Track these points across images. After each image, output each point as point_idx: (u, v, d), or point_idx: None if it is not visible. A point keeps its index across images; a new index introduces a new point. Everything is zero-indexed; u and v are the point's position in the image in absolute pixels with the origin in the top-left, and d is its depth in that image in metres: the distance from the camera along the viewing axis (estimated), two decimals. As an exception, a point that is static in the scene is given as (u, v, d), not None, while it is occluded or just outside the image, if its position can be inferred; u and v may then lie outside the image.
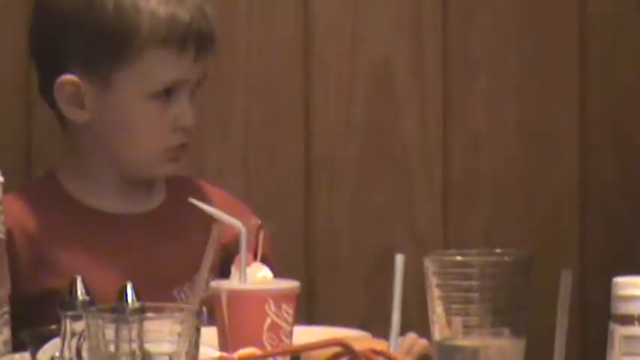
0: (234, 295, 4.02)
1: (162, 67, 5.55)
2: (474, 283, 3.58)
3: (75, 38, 5.73)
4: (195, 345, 3.50)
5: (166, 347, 3.55)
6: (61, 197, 5.73)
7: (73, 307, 3.87)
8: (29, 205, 5.66)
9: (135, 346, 3.62)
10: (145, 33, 5.54)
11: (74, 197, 5.69)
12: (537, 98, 7.47)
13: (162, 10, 5.56)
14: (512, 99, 7.45)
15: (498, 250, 3.90)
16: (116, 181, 5.71)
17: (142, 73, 5.52)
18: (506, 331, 3.55)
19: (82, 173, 5.82)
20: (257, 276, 4.23)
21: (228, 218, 4.31)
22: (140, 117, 5.56)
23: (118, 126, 5.58)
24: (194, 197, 4.76)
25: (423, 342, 5.31)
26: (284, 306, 3.99)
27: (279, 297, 4.01)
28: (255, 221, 4.74)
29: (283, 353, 3.84)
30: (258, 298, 3.98)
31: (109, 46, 5.60)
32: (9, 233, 4.96)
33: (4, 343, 4.32)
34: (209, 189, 5.90)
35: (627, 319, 3.50)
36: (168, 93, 5.51)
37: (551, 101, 7.40)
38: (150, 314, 3.64)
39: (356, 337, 4.24)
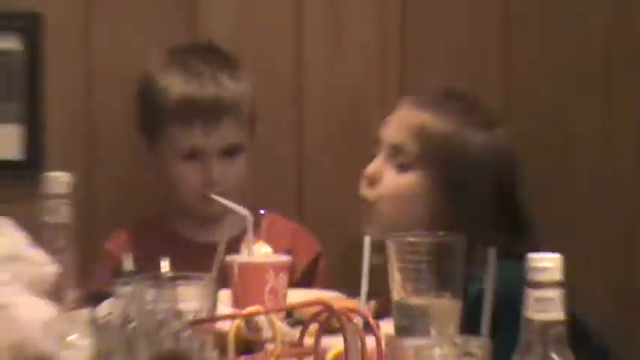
0: (244, 266, 5.04)
1: (180, 137, 6.59)
2: (423, 258, 4.30)
3: (138, 113, 6.78)
4: (214, 304, 4.37)
5: (192, 306, 4.47)
6: (163, 229, 6.66)
7: (123, 276, 4.73)
8: (139, 234, 6.62)
9: (169, 305, 4.44)
10: (165, 111, 6.55)
11: (173, 228, 6.61)
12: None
13: (177, 92, 6.46)
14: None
15: (441, 234, 4.66)
16: (190, 215, 6.66)
17: (170, 140, 6.60)
18: (446, 294, 4.27)
19: (173, 210, 6.87)
20: (260, 252, 5.20)
21: (240, 209, 5.31)
22: (177, 174, 6.59)
23: (168, 179, 6.67)
24: (265, 229, 5.62)
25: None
26: (281, 275, 5.03)
27: (276, 268, 5.05)
28: (262, 211, 5.67)
29: (279, 310, 4.62)
30: (261, 268, 5.00)
31: (148, 120, 6.77)
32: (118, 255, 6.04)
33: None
34: (280, 221, 6.56)
35: (537, 285, 3.78)
36: (194, 156, 6.49)
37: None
38: (181, 281, 4.45)
39: (333, 297, 4.92)
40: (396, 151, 6.22)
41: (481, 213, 6.23)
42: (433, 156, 6.22)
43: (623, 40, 7.78)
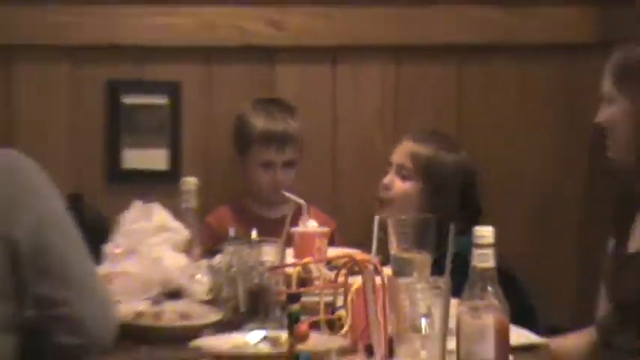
0: (301, 234, 5.27)
1: (260, 154, 6.72)
2: (408, 230, 4.52)
3: (235, 138, 6.92)
4: (283, 257, 4.81)
5: (270, 258, 4.71)
6: (245, 209, 6.76)
7: (229, 240, 4.96)
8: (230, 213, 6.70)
9: (256, 257, 4.84)
10: (252, 137, 6.65)
11: (252, 209, 6.71)
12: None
13: (260, 126, 6.62)
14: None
15: (421, 215, 4.87)
16: (264, 201, 6.77)
17: (254, 156, 6.62)
18: (423, 252, 4.42)
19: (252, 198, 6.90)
20: (311, 224, 5.40)
21: (298, 199, 5.51)
22: (256, 177, 6.69)
23: (251, 179, 6.81)
24: (310, 213, 5.78)
25: None
26: (323, 239, 5.30)
27: (320, 235, 5.32)
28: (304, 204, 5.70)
29: (322, 260, 4.74)
30: (311, 235, 5.26)
31: (241, 142, 6.83)
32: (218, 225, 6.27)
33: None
34: (312, 209, 6.05)
35: (479, 246, 3.70)
36: (267, 166, 6.64)
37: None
38: (263, 243, 4.82)
39: (355, 252, 4.47)
40: (400, 168, 6.48)
41: (451, 205, 6.40)
42: (422, 171, 6.49)
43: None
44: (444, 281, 3.75)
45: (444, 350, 3.57)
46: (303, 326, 3.89)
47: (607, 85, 4.74)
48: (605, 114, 4.69)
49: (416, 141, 6.74)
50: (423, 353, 3.63)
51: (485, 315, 3.57)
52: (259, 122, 6.53)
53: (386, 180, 6.47)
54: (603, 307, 4.78)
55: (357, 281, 4.02)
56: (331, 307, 4.00)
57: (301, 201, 5.31)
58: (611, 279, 4.79)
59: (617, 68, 4.73)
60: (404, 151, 6.72)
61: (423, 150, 6.63)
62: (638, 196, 4.81)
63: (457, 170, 6.66)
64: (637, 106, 4.66)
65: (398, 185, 6.48)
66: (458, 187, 6.63)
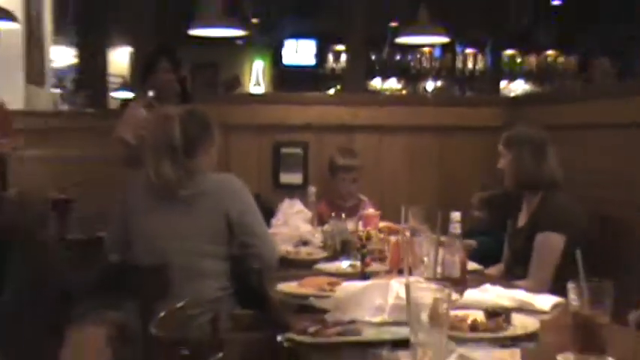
0: (367, 216, 4.77)
1: (342, 175, 5.95)
2: None
3: (329, 166, 6.19)
4: (357, 226, 4.65)
5: (350, 226, 4.64)
6: (333, 202, 5.98)
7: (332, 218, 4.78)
8: (326, 204, 5.92)
9: (345, 228, 4.70)
10: (337, 167, 6.01)
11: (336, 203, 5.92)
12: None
13: (340, 162, 5.99)
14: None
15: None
16: (343, 198, 5.97)
17: (338, 175, 5.96)
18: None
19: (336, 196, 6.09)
20: (369, 210, 4.95)
21: (362, 197, 5.32)
22: (340, 186, 5.97)
23: (336, 187, 6.00)
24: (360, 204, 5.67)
25: None
26: (376, 218, 4.75)
27: (375, 215, 4.77)
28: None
29: (376, 228, 4.45)
30: (373, 216, 4.71)
31: (332, 169, 6.09)
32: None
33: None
34: (368, 203, 5.86)
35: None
36: (343, 180, 5.99)
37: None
38: (346, 219, 4.74)
39: (392, 224, 4.49)
40: None
41: None
42: None
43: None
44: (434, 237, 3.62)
45: (435, 271, 3.55)
46: (368, 260, 3.94)
47: (501, 147, 4.68)
48: (501, 163, 4.66)
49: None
50: (425, 272, 3.57)
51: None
52: (340, 160, 6.05)
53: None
54: (506, 254, 4.75)
55: (393, 239, 3.97)
56: (381, 251, 3.99)
57: (365, 198, 5.26)
58: (509, 241, 4.76)
59: (505, 138, 4.68)
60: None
61: None
62: (517, 198, 4.74)
63: None
64: (513, 158, 4.61)
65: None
66: None
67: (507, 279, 4.15)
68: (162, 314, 2.96)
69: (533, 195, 4.60)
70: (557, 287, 3.66)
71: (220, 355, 2.36)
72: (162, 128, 4.19)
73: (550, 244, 4.37)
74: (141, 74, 6.85)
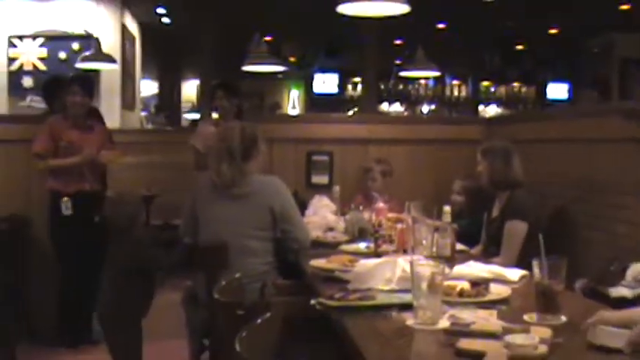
0: (377, 207, 4.20)
1: (368, 175, 5.84)
2: None
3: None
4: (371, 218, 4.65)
5: (365, 216, 4.65)
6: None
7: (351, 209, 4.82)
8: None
9: (362, 217, 4.75)
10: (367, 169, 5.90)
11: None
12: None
13: (367, 165, 5.92)
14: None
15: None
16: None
17: (368, 175, 5.82)
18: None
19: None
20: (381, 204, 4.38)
21: (375, 194, 5.15)
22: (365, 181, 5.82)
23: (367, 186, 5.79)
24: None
25: None
26: (386, 210, 4.22)
27: (384, 209, 4.21)
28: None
29: (385, 217, 4.01)
30: (381, 207, 4.16)
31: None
32: None
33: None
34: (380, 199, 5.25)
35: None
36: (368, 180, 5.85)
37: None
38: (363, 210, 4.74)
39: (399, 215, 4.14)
40: None
41: None
42: None
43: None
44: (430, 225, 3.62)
45: (431, 251, 3.53)
46: (380, 243, 3.91)
47: (479, 156, 4.63)
48: (479, 167, 4.62)
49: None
50: (424, 252, 3.54)
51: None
52: (367, 164, 5.93)
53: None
54: (484, 238, 4.71)
55: (399, 226, 3.94)
56: (390, 235, 3.95)
57: (376, 195, 5.21)
58: (486, 228, 4.72)
59: (482, 149, 4.63)
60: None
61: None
62: (491, 194, 4.68)
63: None
64: (488, 164, 4.57)
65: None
66: None
67: (485, 257, 4.09)
68: (222, 283, 2.96)
69: (503, 192, 4.56)
70: (522, 263, 3.68)
71: (268, 314, 2.35)
72: (224, 137, 4.22)
73: (515, 229, 4.33)
74: (207, 101, 6.93)
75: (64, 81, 6.14)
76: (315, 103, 19.64)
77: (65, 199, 5.62)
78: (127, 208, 4.32)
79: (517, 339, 1.99)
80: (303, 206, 5.03)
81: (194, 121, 18.14)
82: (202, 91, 15.87)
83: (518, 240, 4.30)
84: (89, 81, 6.05)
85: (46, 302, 5.86)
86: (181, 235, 4.40)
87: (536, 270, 2.46)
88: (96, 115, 6.31)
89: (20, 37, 10.49)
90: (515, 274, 3.20)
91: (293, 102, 20.91)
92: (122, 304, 4.20)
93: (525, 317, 2.43)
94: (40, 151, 5.66)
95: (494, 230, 4.53)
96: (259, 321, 2.29)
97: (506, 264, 3.71)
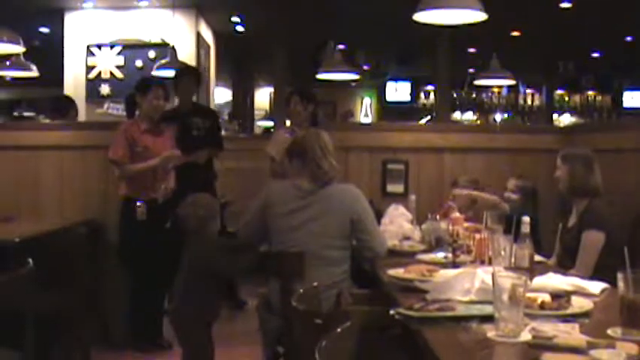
0: (453, 217, 4.53)
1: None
2: None
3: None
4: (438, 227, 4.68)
5: (442, 226, 4.71)
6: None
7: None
8: None
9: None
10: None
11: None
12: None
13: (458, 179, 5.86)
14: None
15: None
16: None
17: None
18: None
19: None
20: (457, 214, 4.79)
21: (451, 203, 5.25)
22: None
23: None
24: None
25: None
26: (462, 219, 4.55)
27: (460, 219, 4.54)
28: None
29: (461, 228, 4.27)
30: (458, 217, 4.44)
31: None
32: None
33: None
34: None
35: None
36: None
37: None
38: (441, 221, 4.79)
39: (476, 225, 4.40)
40: None
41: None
42: None
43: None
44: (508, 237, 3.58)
45: (510, 261, 3.48)
46: (457, 253, 3.88)
47: (559, 161, 4.56)
48: (557, 173, 4.55)
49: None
50: (502, 263, 3.50)
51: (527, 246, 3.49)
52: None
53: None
54: (558, 249, 4.64)
55: (477, 236, 3.90)
56: (468, 245, 3.92)
57: (452, 204, 5.13)
58: (561, 238, 4.65)
59: (562, 154, 4.55)
60: None
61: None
62: (567, 203, 4.60)
63: None
64: (568, 170, 4.49)
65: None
66: None
67: (560, 269, 4.02)
68: (300, 291, 2.96)
69: (581, 200, 4.47)
70: (597, 274, 3.67)
71: (348, 324, 2.33)
72: (316, 139, 4.25)
73: (592, 239, 4.26)
74: (281, 108, 6.96)
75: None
76: (388, 111, 19.63)
77: (139, 204, 5.68)
78: (198, 210, 4.34)
79: (603, 354, 1.94)
80: (378, 215, 4.96)
81: (267, 129, 18.27)
82: (275, 99, 15.95)
83: (595, 251, 4.22)
84: (165, 86, 6.12)
85: (121, 306, 5.96)
86: (242, 239, 4.41)
87: (620, 283, 2.39)
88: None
89: (99, 46, 10.76)
90: (596, 287, 3.14)
91: (365, 110, 20.89)
92: (193, 308, 4.23)
93: (609, 332, 2.36)
94: (118, 158, 5.74)
95: (570, 240, 4.46)
96: (339, 330, 2.28)
97: (581, 275, 3.66)
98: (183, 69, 7.37)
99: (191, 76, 6.82)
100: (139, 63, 10.69)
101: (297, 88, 6.70)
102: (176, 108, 6.92)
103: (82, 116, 10.16)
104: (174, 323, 4.38)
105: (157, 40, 10.71)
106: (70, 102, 7.99)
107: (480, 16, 4.55)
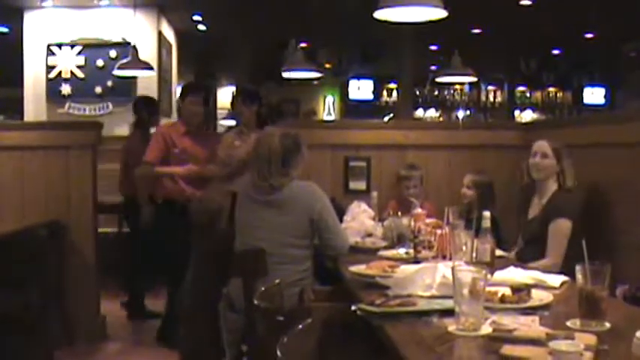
0: (416, 213, 4.42)
1: (402, 182, 5.88)
2: None
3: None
4: (411, 223, 4.70)
5: (405, 222, 4.72)
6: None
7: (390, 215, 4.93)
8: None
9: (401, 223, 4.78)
10: (398, 177, 5.95)
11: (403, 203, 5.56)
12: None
13: (403, 173, 5.92)
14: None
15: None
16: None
17: (400, 183, 5.90)
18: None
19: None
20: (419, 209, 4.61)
21: (415, 200, 5.34)
22: (400, 189, 5.86)
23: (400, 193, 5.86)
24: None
25: None
26: (424, 216, 4.34)
27: (423, 214, 4.36)
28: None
29: (424, 223, 4.16)
30: (420, 213, 4.32)
31: (397, 179, 5.98)
32: None
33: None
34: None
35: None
36: (402, 188, 5.88)
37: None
38: (402, 217, 4.75)
39: (437, 221, 4.24)
40: None
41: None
42: None
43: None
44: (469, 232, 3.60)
45: (471, 256, 3.51)
46: (419, 249, 3.90)
47: (549, 151, 4.63)
48: (543, 161, 4.61)
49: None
50: (464, 257, 3.52)
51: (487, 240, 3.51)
52: (402, 171, 5.96)
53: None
54: (519, 243, 4.68)
55: (439, 232, 3.91)
56: (429, 241, 3.94)
57: (414, 200, 5.17)
58: (522, 231, 4.69)
59: (553, 148, 4.64)
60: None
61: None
62: (529, 194, 4.70)
63: None
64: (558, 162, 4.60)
65: None
66: None
67: (524, 260, 4.10)
68: (262, 289, 2.95)
69: (548, 189, 4.57)
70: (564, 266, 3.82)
71: (309, 320, 2.34)
72: (263, 144, 4.23)
73: (561, 228, 4.37)
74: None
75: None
76: (350, 109, 19.63)
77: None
78: (209, 205, 4.40)
79: (562, 345, 1.94)
80: (341, 212, 5.01)
81: (230, 127, 18.19)
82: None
83: (565, 238, 4.31)
84: (206, 90, 6.24)
85: (85, 306, 5.93)
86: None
87: (579, 275, 2.42)
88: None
89: (59, 46, 10.66)
90: (556, 279, 3.17)
91: (328, 108, 20.89)
92: (205, 302, 4.25)
93: (568, 323, 2.39)
94: (151, 160, 5.85)
95: (534, 231, 4.52)
96: (300, 327, 2.28)
97: (554, 264, 3.83)
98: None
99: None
100: (100, 62, 10.62)
101: (239, 88, 6.66)
102: None
103: (42, 116, 10.27)
104: (186, 319, 4.39)
105: (118, 39, 10.64)
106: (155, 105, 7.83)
107: (440, 13, 4.54)
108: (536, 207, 4.67)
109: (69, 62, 10.64)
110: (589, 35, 14.67)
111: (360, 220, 5.01)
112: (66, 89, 10.62)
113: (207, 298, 4.34)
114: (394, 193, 5.99)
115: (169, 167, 5.85)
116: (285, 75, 9.00)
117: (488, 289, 2.58)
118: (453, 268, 2.46)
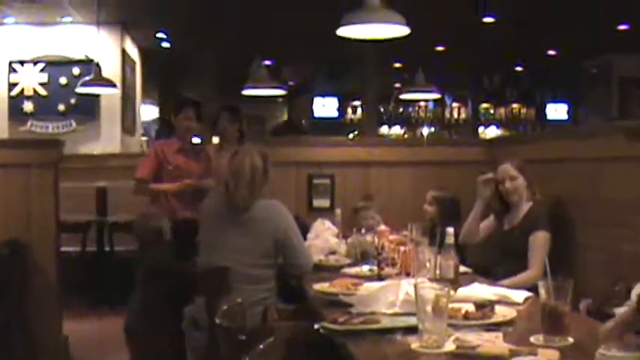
0: (379, 231, 4.58)
1: (360, 211, 5.57)
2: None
3: None
4: (374, 240, 4.66)
5: (368, 239, 4.70)
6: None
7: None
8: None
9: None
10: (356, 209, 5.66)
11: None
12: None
13: (359, 205, 5.82)
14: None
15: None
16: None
17: (357, 212, 5.62)
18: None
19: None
20: (382, 227, 4.80)
21: (377, 216, 5.37)
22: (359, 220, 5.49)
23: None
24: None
25: None
26: (387, 233, 4.48)
27: (386, 231, 4.50)
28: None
29: (387, 240, 4.21)
30: (383, 231, 4.47)
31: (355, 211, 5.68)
32: None
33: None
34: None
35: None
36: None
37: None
38: (365, 234, 4.76)
39: (401, 237, 4.32)
40: None
41: None
42: None
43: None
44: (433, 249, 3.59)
45: (434, 273, 3.50)
46: (382, 266, 3.89)
47: (514, 172, 4.63)
48: (512, 183, 4.62)
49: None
50: (427, 274, 3.51)
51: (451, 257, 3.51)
52: (360, 203, 5.70)
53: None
54: (494, 257, 4.70)
55: (402, 249, 3.92)
56: (393, 258, 3.94)
57: (378, 217, 5.15)
58: (499, 244, 4.71)
59: (516, 165, 4.67)
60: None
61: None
62: (506, 205, 4.70)
63: None
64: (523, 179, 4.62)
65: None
66: None
67: (505, 274, 4.21)
68: (224, 308, 2.92)
69: (522, 204, 4.61)
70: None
71: (271, 339, 2.32)
72: (238, 163, 4.19)
73: (542, 239, 4.40)
74: (208, 125, 6.88)
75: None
76: (315, 126, 19.63)
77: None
78: (153, 222, 4.35)
79: (525, 362, 1.95)
80: (304, 230, 4.96)
81: (194, 145, 18.10)
82: (201, 116, 15.83)
83: (545, 251, 4.31)
84: (198, 105, 6.17)
85: (48, 326, 5.80)
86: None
87: (542, 291, 2.43)
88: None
89: (21, 62, 10.61)
90: (520, 295, 3.18)
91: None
92: (155, 320, 4.20)
93: (532, 339, 2.39)
94: (143, 177, 5.82)
95: (513, 241, 4.54)
96: (262, 346, 2.26)
97: (536, 276, 3.82)
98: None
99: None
100: (63, 80, 10.58)
101: (227, 106, 6.62)
102: None
103: (4, 134, 10.13)
104: (133, 339, 4.33)
105: (81, 56, 10.61)
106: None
107: (403, 30, 4.56)
108: (513, 219, 4.67)
109: (31, 79, 10.59)
110: (551, 52, 14.84)
111: (324, 238, 5.00)
112: (28, 107, 10.56)
113: (162, 316, 4.27)
114: (352, 224, 5.96)
115: (164, 184, 5.81)
116: (248, 92, 8.97)
117: (451, 305, 2.58)
118: (415, 285, 2.45)
